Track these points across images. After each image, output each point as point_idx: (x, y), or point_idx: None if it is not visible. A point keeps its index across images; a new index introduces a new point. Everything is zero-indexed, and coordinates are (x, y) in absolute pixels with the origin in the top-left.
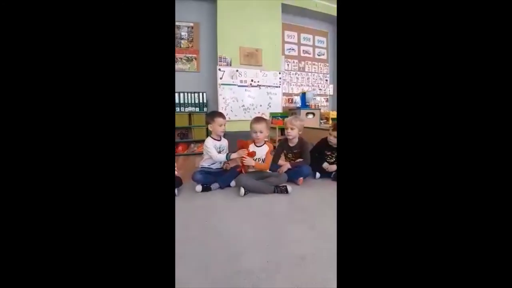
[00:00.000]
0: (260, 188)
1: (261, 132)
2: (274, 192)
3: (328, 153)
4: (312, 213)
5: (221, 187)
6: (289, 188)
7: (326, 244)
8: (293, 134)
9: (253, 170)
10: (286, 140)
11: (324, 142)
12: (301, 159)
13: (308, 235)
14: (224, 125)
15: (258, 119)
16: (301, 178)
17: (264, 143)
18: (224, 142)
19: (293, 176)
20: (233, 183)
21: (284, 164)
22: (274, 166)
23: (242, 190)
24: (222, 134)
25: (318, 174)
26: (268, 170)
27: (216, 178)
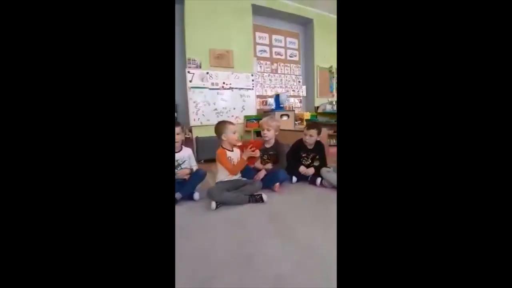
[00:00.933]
0: (233, 200)
1: (237, 132)
2: (249, 202)
3: (303, 155)
4: (290, 224)
5: (183, 198)
6: (265, 196)
7: (307, 260)
8: (269, 135)
9: (227, 179)
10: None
11: (299, 143)
12: (276, 163)
13: (286, 250)
14: (181, 133)
15: (229, 122)
16: (277, 183)
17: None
18: (185, 153)
19: (268, 182)
20: (196, 196)
21: (260, 171)
22: (250, 172)
23: (213, 204)
24: (178, 144)
25: (294, 178)
26: (242, 178)
27: (178, 187)
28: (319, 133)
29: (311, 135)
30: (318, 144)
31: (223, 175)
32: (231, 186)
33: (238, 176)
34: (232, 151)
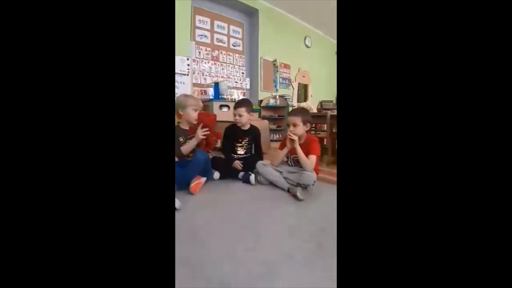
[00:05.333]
0: None
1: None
2: None
3: (239, 139)
4: (206, 248)
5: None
6: (177, 202)
7: None
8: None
9: None
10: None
11: (232, 126)
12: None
13: None
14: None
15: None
16: (198, 181)
17: None
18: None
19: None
20: None
21: None
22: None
23: None
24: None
25: (217, 174)
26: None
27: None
28: (249, 112)
29: (240, 115)
30: (253, 128)
31: None
32: None
33: None
34: None
